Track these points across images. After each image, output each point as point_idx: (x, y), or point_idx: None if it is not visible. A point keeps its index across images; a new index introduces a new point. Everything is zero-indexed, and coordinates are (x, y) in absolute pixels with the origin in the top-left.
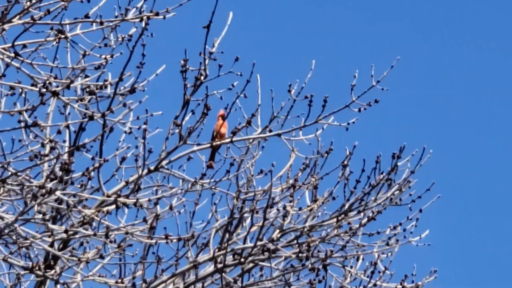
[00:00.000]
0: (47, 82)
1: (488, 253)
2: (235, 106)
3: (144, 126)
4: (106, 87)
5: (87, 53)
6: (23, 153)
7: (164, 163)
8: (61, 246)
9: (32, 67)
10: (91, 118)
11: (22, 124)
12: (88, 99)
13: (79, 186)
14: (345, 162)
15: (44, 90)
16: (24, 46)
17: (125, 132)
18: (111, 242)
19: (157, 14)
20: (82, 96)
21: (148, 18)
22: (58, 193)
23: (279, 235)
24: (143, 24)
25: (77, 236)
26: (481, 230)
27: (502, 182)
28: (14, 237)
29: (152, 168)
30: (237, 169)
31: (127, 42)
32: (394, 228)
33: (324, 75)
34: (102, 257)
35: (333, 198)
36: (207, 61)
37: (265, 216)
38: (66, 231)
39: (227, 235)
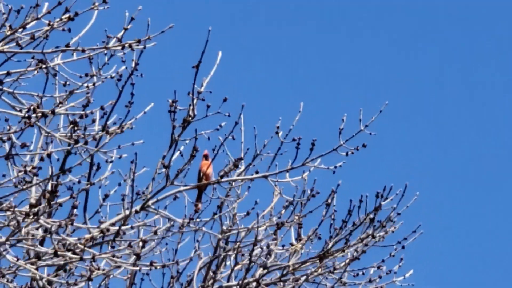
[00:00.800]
0: (32, 108)
1: None
2: (222, 147)
3: (128, 158)
4: (87, 116)
5: (68, 83)
6: (6, 180)
7: (150, 202)
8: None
9: (13, 97)
10: (69, 151)
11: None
12: (70, 132)
13: (65, 220)
14: (329, 201)
15: (28, 121)
16: (8, 73)
17: (106, 161)
18: (97, 269)
19: (139, 41)
20: (64, 129)
21: (130, 46)
22: (41, 220)
23: (263, 274)
24: (133, 64)
25: (64, 261)
26: (465, 271)
27: (487, 222)
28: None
29: (138, 208)
30: (221, 210)
31: (117, 82)
32: (378, 267)
33: (313, 118)
34: (90, 279)
35: (319, 238)
36: (195, 101)
37: (252, 254)
38: (55, 253)
39: (210, 273)
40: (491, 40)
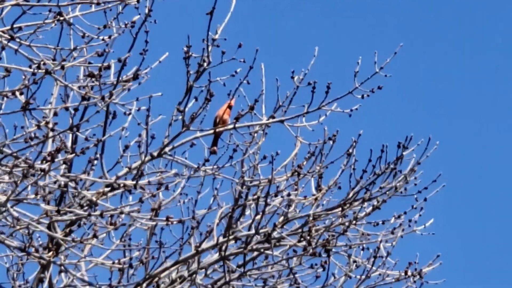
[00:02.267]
0: (41, 62)
1: (492, 243)
2: (238, 93)
3: (144, 108)
4: (106, 68)
5: (86, 35)
6: (19, 135)
7: (167, 149)
8: (65, 232)
9: (31, 50)
10: (83, 99)
11: (20, 107)
12: (88, 83)
13: (82, 172)
14: (350, 151)
15: (37, 70)
16: (20, 28)
17: (124, 113)
18: (111, 224)
19: None
20: (83, 80)
21: None
22: (57, 176)
23: (283, 223)
24: (146, 10)
25: (73, 217)
26: (485, 220)
27: (507, 172)
28: (9, 219)
29: (155, 154)
30: (242, 155)
31: (130, 29)
32: (399, 217)
33: (327, 62)
34: (96, 236)
35: (339, 188)
36: (210, 48)
37: (267, 202)
38: (58, 211)
39: (231, 222)
40: None
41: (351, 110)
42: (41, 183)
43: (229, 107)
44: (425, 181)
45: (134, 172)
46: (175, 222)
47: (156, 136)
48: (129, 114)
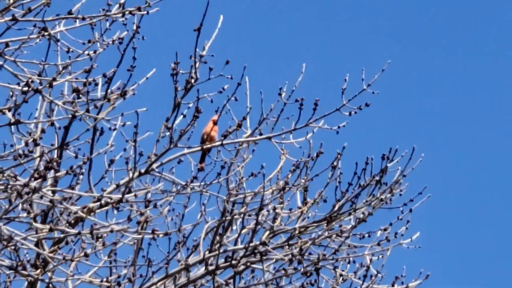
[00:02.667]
0: (30, 80)
1: (478, 254)
2: (225, 109)
3: (129, 123)
4: (90, 84)
5: (71, 50)
6: (8, 153)
7: (154, 165)
8: (52, 247)
9: (16, 65)
10: (73, 116)
11: (7, 122)
12: (72, 98)
13: (68, 187)
14: (335, 163)
15: (26, 88)
16: (7, 45)
17: (109, 128)
18: (98, 238)
19: (139, 9)
20: (68, 95)
21: (130, 13)
22: (44, 190)
23: (269, 237)
24: (134, 27)
25: (61, 235)
26: (472, 231)
27: (493, 183)
28: None
29: (142, 171)
30: (227, 172)
31: (118, 45)
32: (385, 230)
33: (315, 79)
34: (86, 255)
35: (324, 201)
36: (197, 64)
37: (258, 219)
38: (50, 229)
39: (217, 237)
40: None
41: (339, 127)
42: (31, 197)
43: (214, 122)
44: (410, 193)
45: (122, 189)
46: (161, 235)
47: (143, 153)
48: (114, 129)
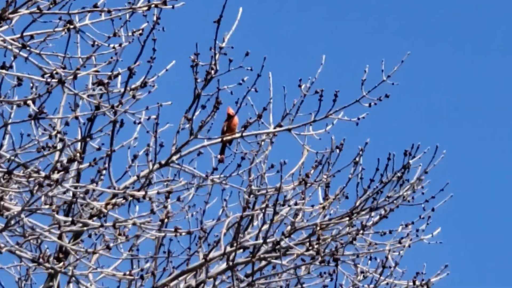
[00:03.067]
0: (54, 72)
1: (499, 252)
2: (245, 101)
3: (153, 117)
4: (116, 77)
5: (96, 43)
6: (31, 145)
7: (174, 158)
8: (72, 240)
9: (41, 58)
10: (97, 108)
11: (29, 115)
12: (97, 91)
13: (90, 182)
14: (357, 160)
15: (50, 79)
16: (32, 37)
17: (134, 122)
18: (120, 234)
19: (165, 3)
20: (92, 88)
21: (156, 6)
22: (66, 185)
23: (290, 233)
24: (154, 17)
25: (84, 228)
26: (493, 228)
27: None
28: (21, 229)
29: (162, 162)
30: (249, 164)
31: (138, 37)
32: (406, 226)
33: (335, 71)
34: (109, 247)
35: (346, 197)
36: (217, 56)
37: (275, 210)
38: (73, 222)
39: (238, 232)
40: None
41: (358, 119)
42: (50, 193)
43: (230, 115)
44: (432, 190)
45: (142, 180)
46: (183, 233)
47: (164, 145)
48: (139, 123)
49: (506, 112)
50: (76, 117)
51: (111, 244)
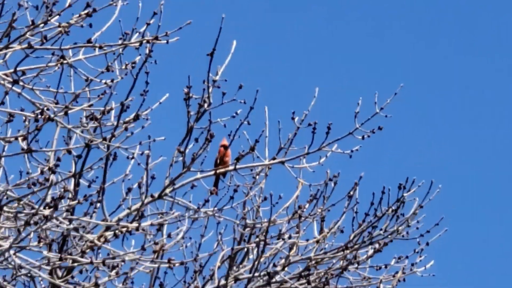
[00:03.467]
0: (45, 108)
1: (492, 285)
2: (239, 134)
3: (147, 152)
4: (108, 112)
5: (89, 78)
6: (23, 181)
7: (167, 190)
8: (65, 275)
9: (34, 93)
10: (87, 146)
11: (22, 149)
12: (90, 126)
13: (83, 215)
14: (351, 193)
15: (40, 116)
16: (23, 73)
17: (127, 157)
18: (112, 268)
19: (156, 38)
20: (85, 123)
21: (148, 42)
22: (60, 218)
23: (284, 266)
24: (147, 51)
25: (75, 264)
26: (486, 262)
27: (509, 215)
28: (10, 266)
29: (155, 195)
30: (244, 197)
31: (131, 70)
32: (399, 258)
33: (328, 103)
34: (97, 285)
35: (341, 231)
36: (210, 89)
37: (266, 243)
38: (60, 258)
39: (232, 264)
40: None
41: (352, 151)
42: (43, 226)
43: (224, 147)
44: (427, 225)
45: (134, 213)
46: (177, 265)
47: (156, 177)
48: (132, 158)
49: (501, 149)
50: (69, 152)
51: (105, 279)
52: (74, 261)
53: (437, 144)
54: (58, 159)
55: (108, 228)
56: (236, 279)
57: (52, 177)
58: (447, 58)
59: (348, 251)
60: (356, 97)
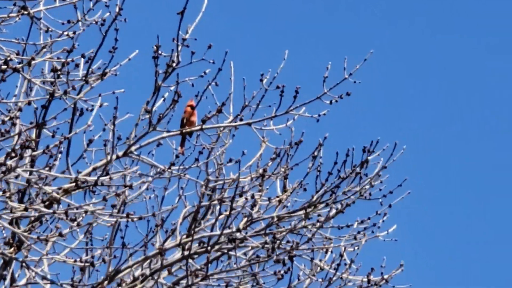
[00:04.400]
0: (8, 58)
1: (454, 250)
2: (206, 94)
3: (106, 104)
4: (68, 64)
5: (50, 29)
6: None
7: (133, 148)
8: (28, 227)
9: None
10: (51, 95)
11: None
12: (51, 77)
13: (45, 167)
14: (315, 153)
15: (4, 66)
16: None
17: (87, 109)
18: (72, 220)
19: None
20: (48, 75)
21: None
22: (18, 170)
23: (247, 224)
24: (117, 8)
25: (36, 214)
26: (449, 226)
27: (473, 180)
28: None
29: (120, 153)
30: (207, 157)
31: (100, 27)
32: (362, 222)
33: (297, 66)
34: (61, 235)
35: (304, 190)
36: (179, 48)
37: (232, 205)
38: (25, 208)
39: (194, 222)
40: None
41: (319, 115)
42: (6, 176)
43: (191, 107)
44: (390, 186)
45: (100, 171)
46: (135, 219)
47: (122, 136)
48: (91, 110)
49: (465, 110)
50: (29, 103)
51: (66, 231)
52: (37, 211)
53: (403, 108)
54: (20, 109)
55: (70, 183)
56: (200, 242)
57: (19, 126)
58: (415, 26)
59: (311, 211)
60: (325, 62)
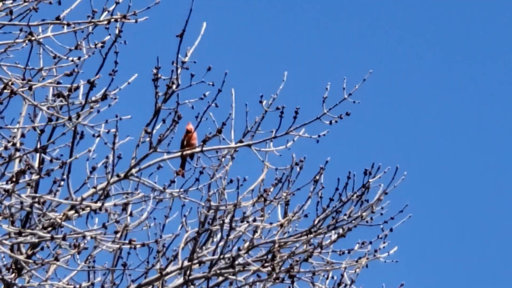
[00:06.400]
0: (9, 82)
1: (455, 271)
2: (206, 116)
3: (113, 130)
4: (76, 89)
5: (57, 56)
6: None
7: (134, 171)
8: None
9: (1, 68)
10: (49, 120)
11: None
12: (58, 103)
13: (48, 192)
14: (317, 178)
15: (4, 90)
16: None
17: (93, 135)
18: (75, 246)
19: (124, 17)
20: (53, 100)
21: (116, 20)
22: (23, 195)
23: (248, 249)
24: (117, 31)
25: (36, 240)
26: (449, 249)
27: (472, 203)
28: None
29: (121, 175)
30: (210, 179)
31: (100, 49)
32: (363, 244)
33: (296, 87)
34: (57, 259)
35: (305, 216)
36: (179, 70)
37: (231, 226)
38: (19, 233)
39: (196, 246)
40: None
41: (319, 136)
42: (6, 203)
43: (188, 131)
44: (391, 211)
45: (100, 193)
46: (138, 246)
47: (123, 157)
48: (98, 136)
49: (467, 134)
50: (34, 128)
51: (63, 256)
52: (34, 236)
53: (404, 131)
54: (23, 135)
55: (72, 207)
56: (200, 262)
57: (15, 151)
58: (415, 46)
59: (312, 235)
60: (324, 82)
